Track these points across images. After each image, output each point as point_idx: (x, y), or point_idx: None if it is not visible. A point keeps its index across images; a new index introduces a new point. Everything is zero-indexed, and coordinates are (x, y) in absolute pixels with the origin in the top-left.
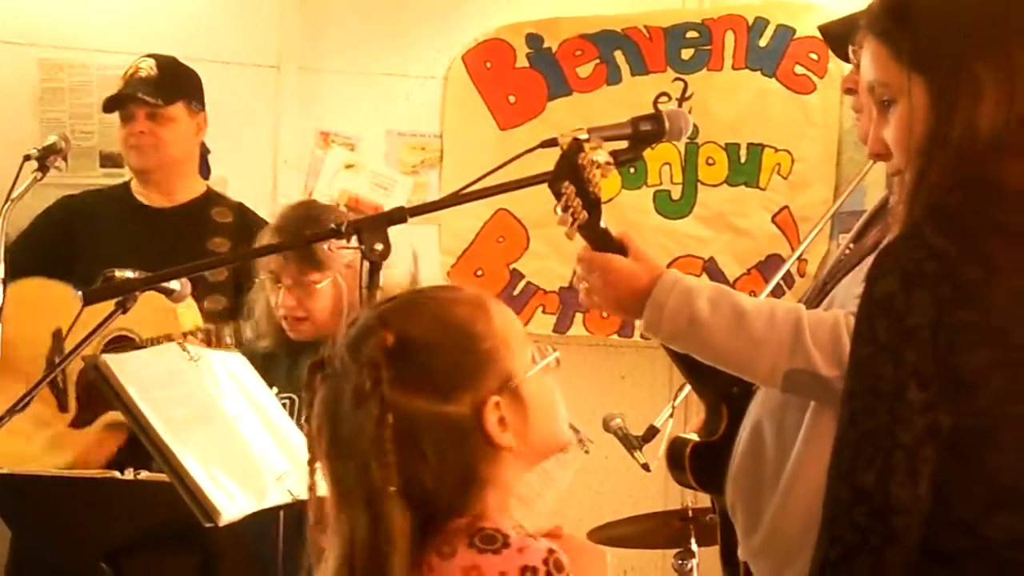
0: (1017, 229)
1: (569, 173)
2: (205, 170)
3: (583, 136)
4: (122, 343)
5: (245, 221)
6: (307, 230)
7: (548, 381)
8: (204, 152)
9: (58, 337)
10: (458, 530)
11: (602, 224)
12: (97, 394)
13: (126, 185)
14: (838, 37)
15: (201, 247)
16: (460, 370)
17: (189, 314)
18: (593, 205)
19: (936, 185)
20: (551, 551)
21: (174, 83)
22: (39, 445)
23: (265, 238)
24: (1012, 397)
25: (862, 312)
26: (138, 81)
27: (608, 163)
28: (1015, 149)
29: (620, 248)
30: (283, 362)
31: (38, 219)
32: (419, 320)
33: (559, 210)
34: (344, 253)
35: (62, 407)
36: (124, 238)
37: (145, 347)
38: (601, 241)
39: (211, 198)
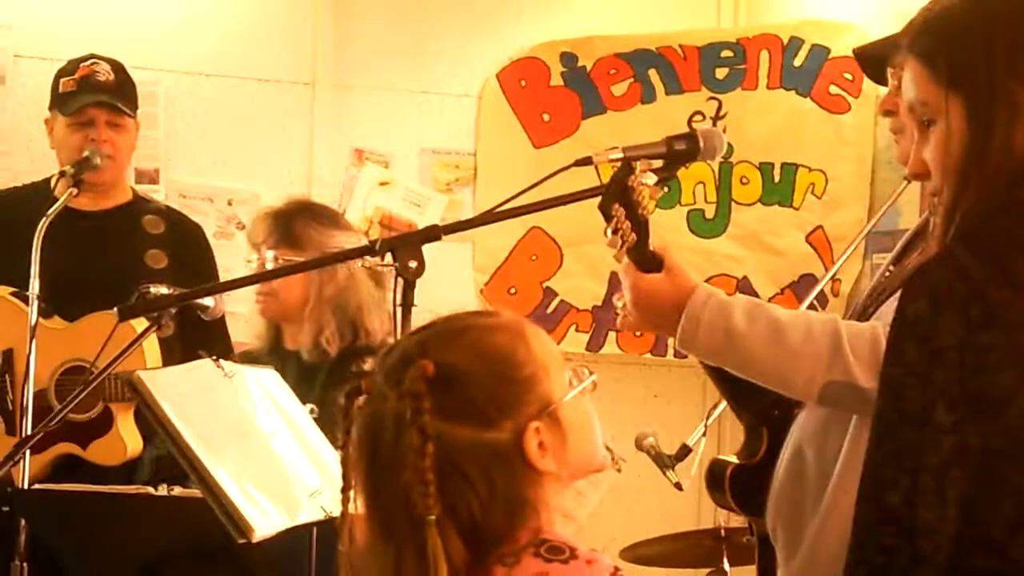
0: None
1: (619, 195)
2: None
3: (618, 155)
4: (73, 375)
5: (176, 227)
6: (302, 217)
7: (585, 403)
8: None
9: (8, 357)
10: (520, 542)
11: (650, 246)
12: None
13: (46, 183)
14: (874, 59)
15: (136, 259)
16: (501, 398)
17: (154, 353)
18: (642, 227)
19: (973, 206)
20: (617, 568)
21: (131, 91)
22: None
23: (258, 223)
24: None
25: (892, 333)
26: (99, 86)
27: (656, 186)
28: None
29: (660, 264)
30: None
31: None
32: (459, 348)
33: (609, 232)
34: (324, 241)
35: (9, 431)
36: (59, 244)
37: (97, 376)
38: (648, 263)
39: (139, 204)
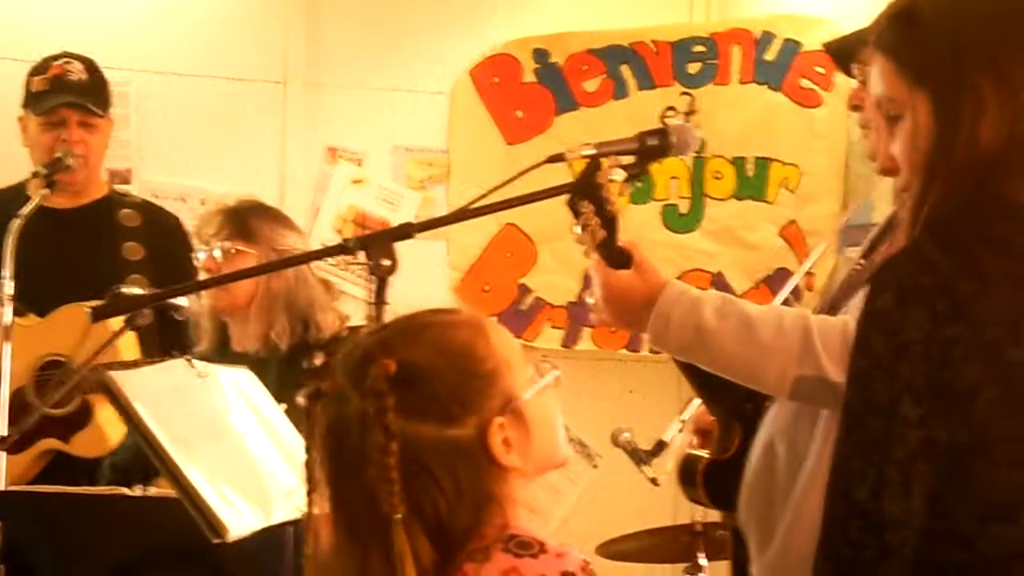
0: (1016, 245)
1: (587, 191)
2: None
3: (590, 151)
4: (52, 369)
5: (153, 220)
6: (254, 213)
7: (548, 399)
8: None
9: None
10: (487, 538)
11: (619, 242)
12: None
13: (20, 186)
14: (843, 54)
15: (114, 253)
16: (464, 394)
17: (130, 344)
18: (610, 223)
19: (940, 200)
20: (587, 561)
21: (103, 90)
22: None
23: (210, 217)
24: (1005, 411)
25: (860, 326)
26: (70, 85)
27: (625, 181)
28: (1018, 165)
29: (629, 260)
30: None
31: None
32: (420, 346)
33: (578, 228)
34: (275, 238)
35: None
36: (26, 240)
37: (75, 371)
38: (617, 259)
39: (115, 199)
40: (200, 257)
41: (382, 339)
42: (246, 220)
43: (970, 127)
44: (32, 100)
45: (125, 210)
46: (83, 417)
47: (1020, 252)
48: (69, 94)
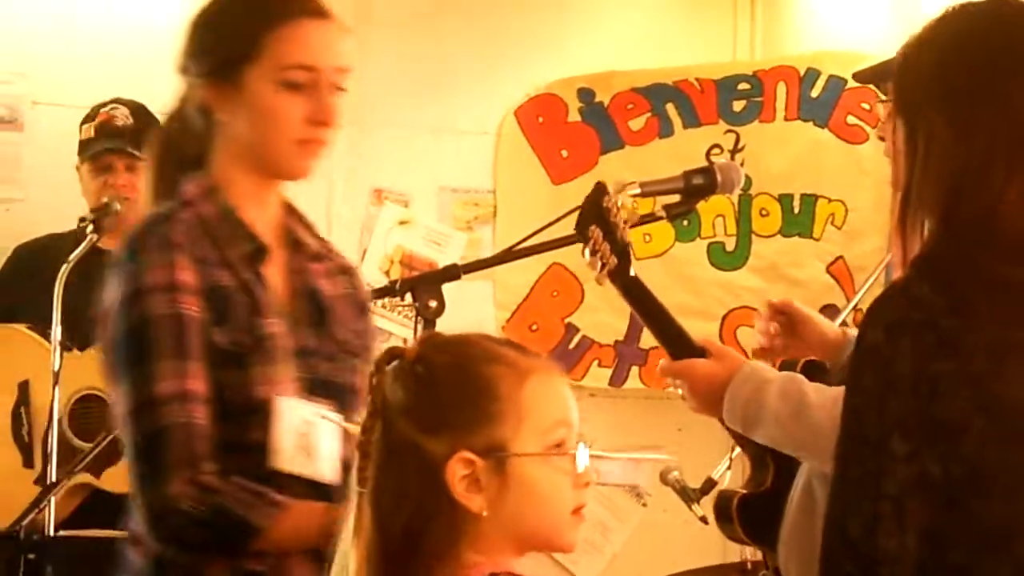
0: (1002, 278)
1: (595, 217)
2: None
3: (636, 191)
4: (91, 402)
5: None
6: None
7: (560, 480)
8: None
9: (24, 389)
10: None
11: (632, 272)
12: (68, 453)
13: (82, 231)
14: (873, 81)
15: None
16: (453, 413)
17: None
18: (622, 251)
19: (911, 229)
20: None
21: (149, 133)
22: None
23: None
24: (993, 443)
25: (853, 362)
26: (116, 131)
27: (635, 206)
28: (998, 197)
29: (682, 335)
30: None
31: (3, 266)
32: (450, 355)
33: (587, 254)
34: None
35: (27, 463)
36: (82, 281)
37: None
38: (632, 290)
39: None
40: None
41: (431, 336)
42: None
43: (924, 159)
44: (82, 148)
45: None
46: (114, 452)
47: (1005, 287)
48: (113, 140)
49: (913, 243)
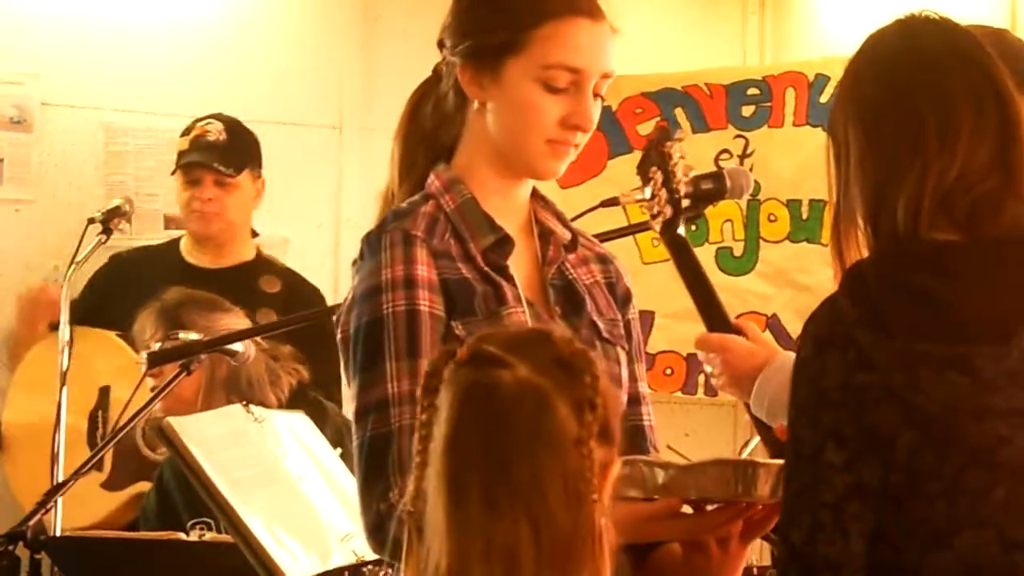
0: (914, 288)
1: (657, 162)
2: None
3: (644, 195)
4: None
5: (293, 289)
6: (184, 307)
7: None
8: None
9: (105, 393)
10: None
11: (680, 231)
12: (134, 460)
13: (175, 243)
14: None
15: (248, 316)
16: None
17: None
18: (676, 204)
19: (845, 242)
20: None
21: (241, 149)
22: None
23: (143, 321)
24: (927, 450)
25: (792, 375)
26: (207, 145)
27: (687, 162)
28: (914, 207)
29: (721, 309)
30: None
31: (94, 276)
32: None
33: (647, 193)
34: (211, 326)
35: (97, 466)
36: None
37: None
38: (678, 248)
39: (260, 263)
40: (143, 366)
41: (584, 351)
42: (177, 316)
43: (845, 171)
44: (177, 159)
45: (266, 276)
46: None
47: (915, 298)
48: (203, 153)
49: (849, 256)
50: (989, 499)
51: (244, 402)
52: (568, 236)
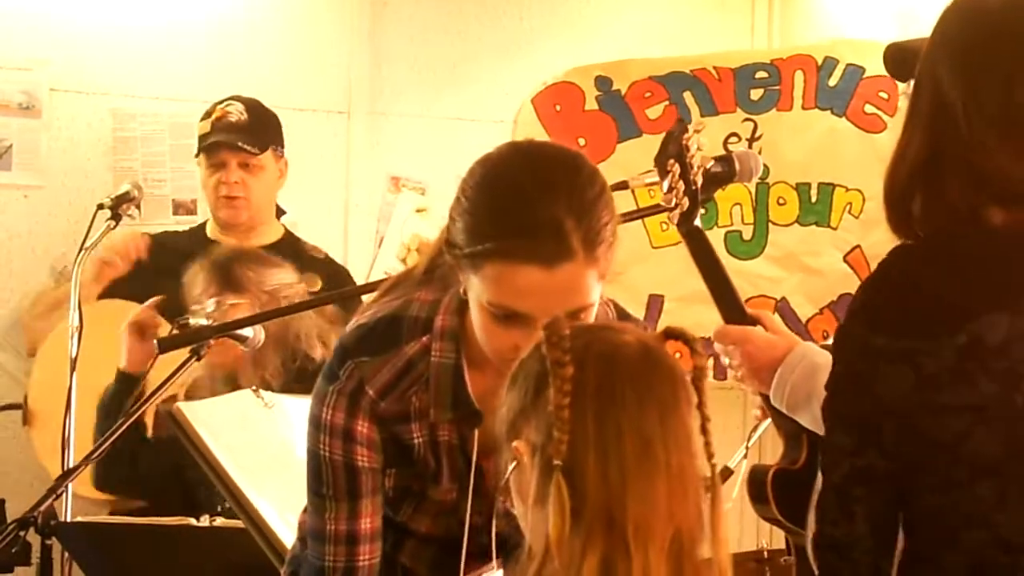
0: (908, 281)
1: (675, 153)
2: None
3: (654, 179)
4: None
5: (320, 268)
6: (237, 262)
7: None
8: None
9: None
10: None
11: (697, 223)
12: None
13: (202, 228)
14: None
15: (298, 271)
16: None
17: None
18: (693, 196)
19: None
20: None
21: (264, 129)
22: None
23: (194, 276)
24: (907, 442)
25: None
26: (229, 126)
27: (704, 154)
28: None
29: (737, 300)
30: None
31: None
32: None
33: (665, 186)
34: (263, 280)
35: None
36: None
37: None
38: (695, 240)
39: (286, 243)
40: (191, 322)
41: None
42: (229, 270)
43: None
44: (199, 142)
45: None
46: None
47: (898, 283)
48: (226, 134)
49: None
50: (974, 494)
51: (254, 387)
52: None
